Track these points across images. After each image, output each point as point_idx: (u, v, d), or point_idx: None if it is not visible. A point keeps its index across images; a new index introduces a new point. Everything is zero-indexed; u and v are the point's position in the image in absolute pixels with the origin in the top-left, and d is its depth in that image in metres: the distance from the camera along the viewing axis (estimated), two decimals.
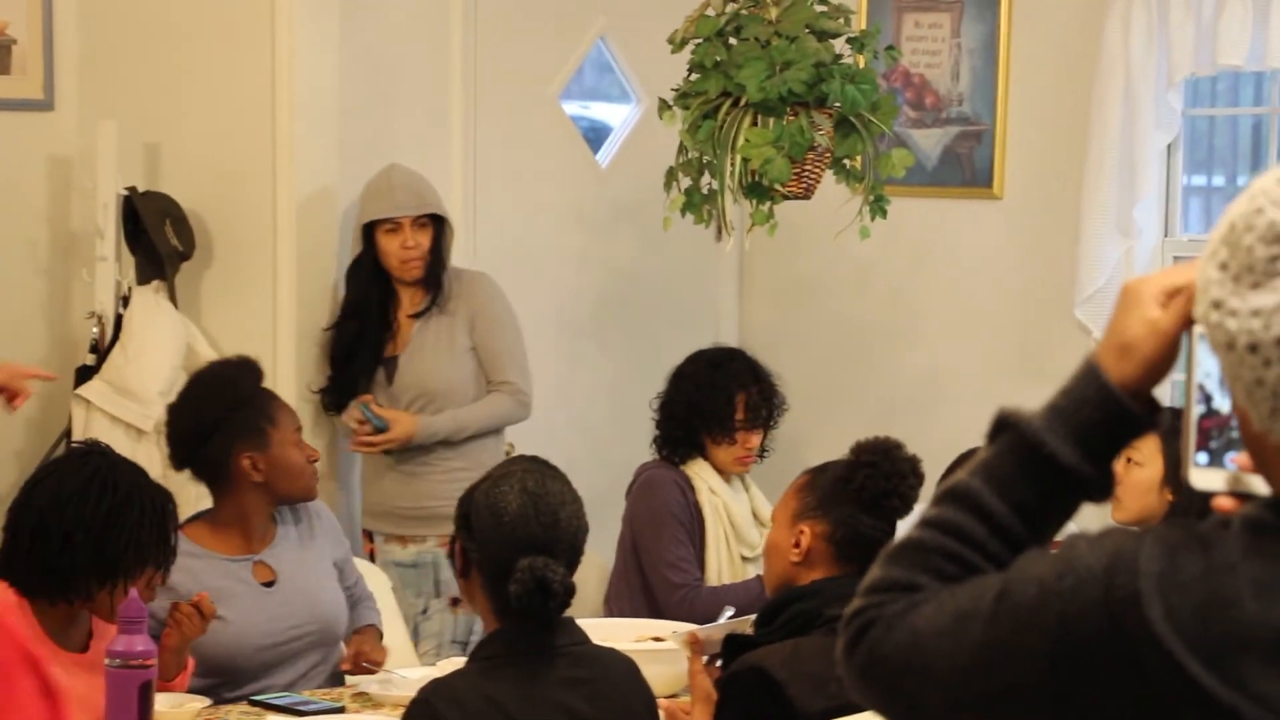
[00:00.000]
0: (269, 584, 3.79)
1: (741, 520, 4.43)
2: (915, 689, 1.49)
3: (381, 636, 3.98)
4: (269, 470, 3.75)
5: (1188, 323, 1.50)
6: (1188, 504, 3.59)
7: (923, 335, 5.55)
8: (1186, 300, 1.50)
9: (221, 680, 3.67)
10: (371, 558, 4.71)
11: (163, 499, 3.30)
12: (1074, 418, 1.51)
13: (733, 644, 3.16)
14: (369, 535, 4.80)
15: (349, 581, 3.97)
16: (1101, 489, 1.52)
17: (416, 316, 4.75)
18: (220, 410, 3.74)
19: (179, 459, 3.82)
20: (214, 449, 3.73)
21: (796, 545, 3.14)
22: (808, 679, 2.88)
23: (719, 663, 3.20)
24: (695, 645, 3.19)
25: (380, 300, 4.76)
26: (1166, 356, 1.52)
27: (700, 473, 4.45)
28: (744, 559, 4.42)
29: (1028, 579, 1.46)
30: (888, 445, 3.15)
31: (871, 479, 3.10)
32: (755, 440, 4.45)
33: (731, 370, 4.47)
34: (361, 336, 4.74)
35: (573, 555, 2.86)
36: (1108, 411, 1.51)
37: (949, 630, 1.47)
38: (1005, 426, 1.54)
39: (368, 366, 4.74)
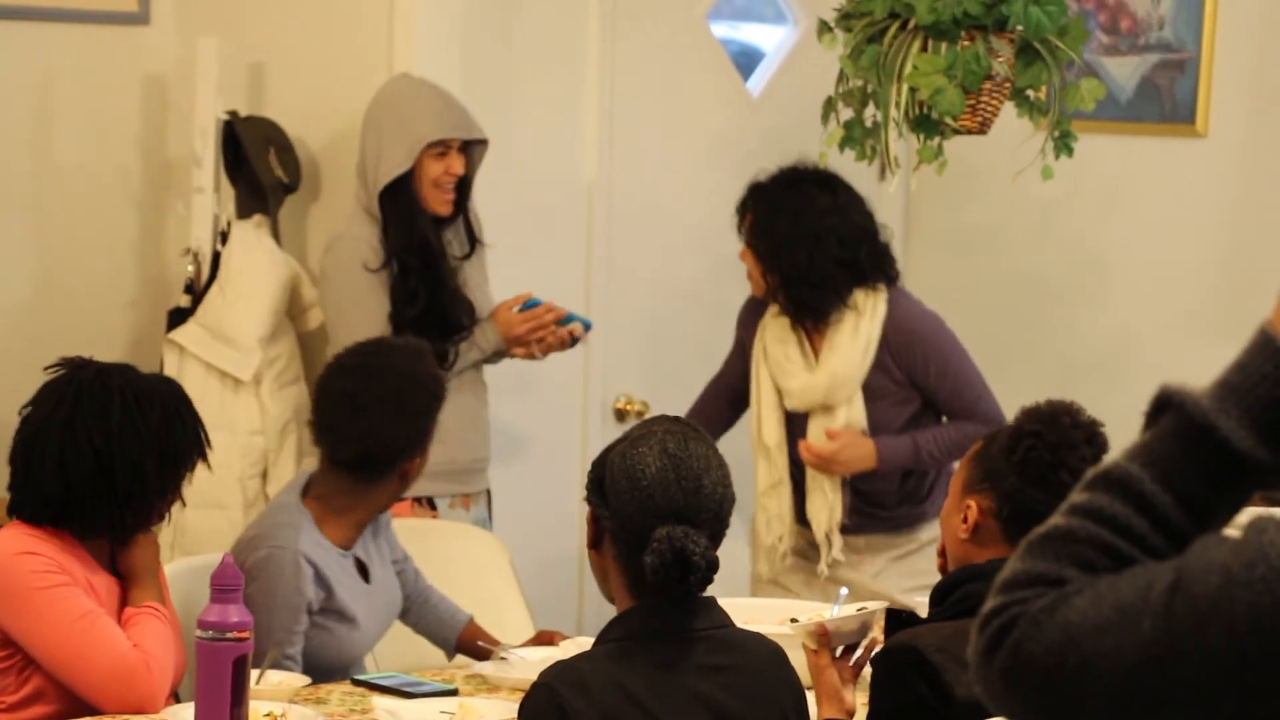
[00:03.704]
0: (364, 578, 3.85)
1: (778, 365, 4.61)
2: (1071, 694, 1.45)
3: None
4: (415, 475, 3.81)
5: None
6: None
7: (1111, 291, 5.50)
8: None
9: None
10: None
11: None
12: (1250, 396, 1.46)
13: (897, 620, 3.14)
14: (428, 502, 4.63)
15: (402, 563, 4.00)
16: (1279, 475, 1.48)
17: (467, 258, 4.68)
18: (423, 422, 3.76)
19: (356, 459, 3.76)
20: (398, 457, 3.75)
21: (965, 521, 3.13)
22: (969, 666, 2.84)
23: (857, 654, 3.18)
24: (823, 637, 3.16)
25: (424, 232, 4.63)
26: None
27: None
28: (786, 412, 4.63)
29: (1208, 567, 1.41)
30: (1055, 411, 3.11)
31: (1035, 450, 3.06)
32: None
33: None
34: (432, 270, 4.59)
35: (717, 526, 2.84)
36: None
37: (1111, 626, 1.43)
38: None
39: (445, 304, 4.59)
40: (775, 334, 4.62)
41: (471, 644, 3.96)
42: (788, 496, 4.61)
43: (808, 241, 4.52)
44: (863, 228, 4.58)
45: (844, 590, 3.56)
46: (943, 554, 3.24)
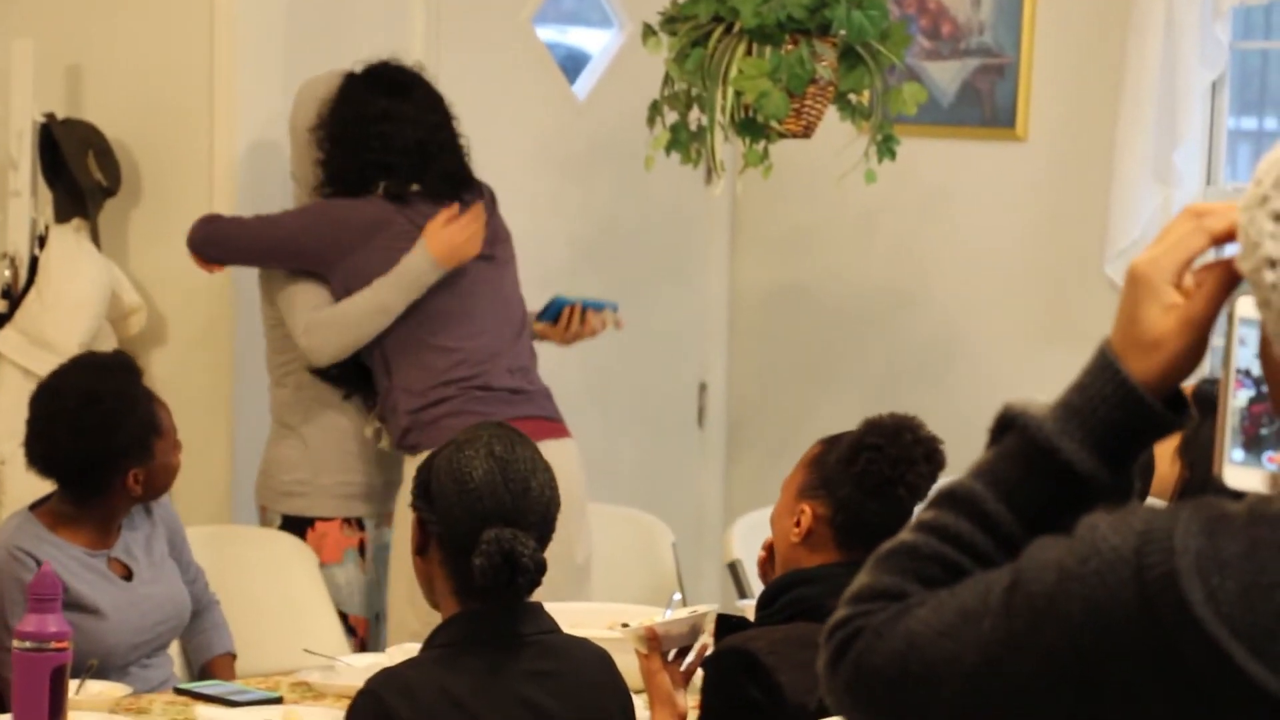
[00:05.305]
0: (126, 579, 3.84)
1: None
2: (915, 701, 1.48)
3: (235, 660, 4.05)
4: (148, 480, 3.80)
5: (1220, 303, 1.49)
6: (1202, 482, 3.63)
7: (934, 293, 5.54)
8: (1219, 280, 1.49)
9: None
10: (361, 551, 4.60)
11: None
12: (1091, 419, 1.50)
13: (726, 625, 3.17)
14: (357, 523, 4.61)
15: (190, 575, 4.00)
16: (1121, 493, 1.51)
17: None
18: (115, 437, 3.74)
19: (56, 477, 3.79)
20: (101, 471, 3.75)
21: (797, 525, 3.15)
22: (802, 668, 2.83)
23: (689, 659, 3.18)
24: (654, 641, 3.17)
25: None
26: (1199, 348, 1.50)
27: None
28: None
29: (1044, 565, 1.44)
30: (899, 426, 3.12)
31: (874, 463, 3.09)
32: None
33: None
34: None
35: (544, 529, 2.86)
36: (1129, 412, 1.50)
37: (952, 630, 1.47)
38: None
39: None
40: None
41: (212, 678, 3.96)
42: None
43: (357, 138, 4.46)
44: (418, 141, 4.48)
45: (676, 595, 3.57)
46: (768, 549, 3.25)
